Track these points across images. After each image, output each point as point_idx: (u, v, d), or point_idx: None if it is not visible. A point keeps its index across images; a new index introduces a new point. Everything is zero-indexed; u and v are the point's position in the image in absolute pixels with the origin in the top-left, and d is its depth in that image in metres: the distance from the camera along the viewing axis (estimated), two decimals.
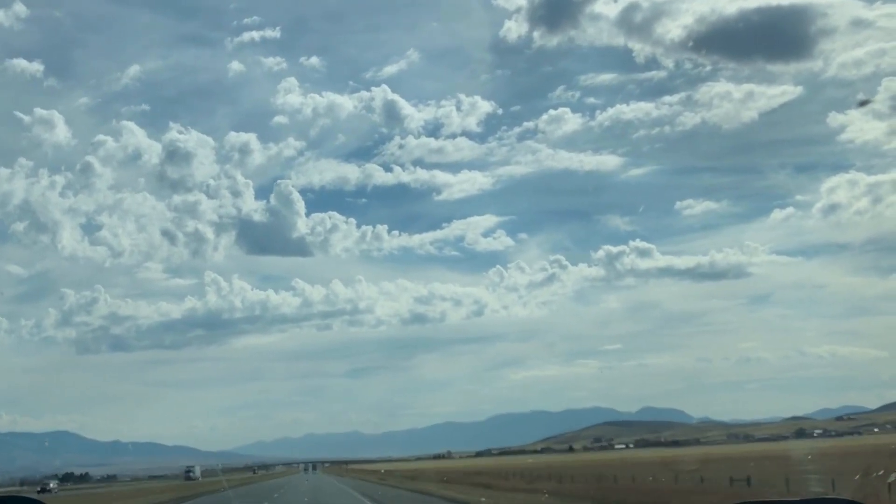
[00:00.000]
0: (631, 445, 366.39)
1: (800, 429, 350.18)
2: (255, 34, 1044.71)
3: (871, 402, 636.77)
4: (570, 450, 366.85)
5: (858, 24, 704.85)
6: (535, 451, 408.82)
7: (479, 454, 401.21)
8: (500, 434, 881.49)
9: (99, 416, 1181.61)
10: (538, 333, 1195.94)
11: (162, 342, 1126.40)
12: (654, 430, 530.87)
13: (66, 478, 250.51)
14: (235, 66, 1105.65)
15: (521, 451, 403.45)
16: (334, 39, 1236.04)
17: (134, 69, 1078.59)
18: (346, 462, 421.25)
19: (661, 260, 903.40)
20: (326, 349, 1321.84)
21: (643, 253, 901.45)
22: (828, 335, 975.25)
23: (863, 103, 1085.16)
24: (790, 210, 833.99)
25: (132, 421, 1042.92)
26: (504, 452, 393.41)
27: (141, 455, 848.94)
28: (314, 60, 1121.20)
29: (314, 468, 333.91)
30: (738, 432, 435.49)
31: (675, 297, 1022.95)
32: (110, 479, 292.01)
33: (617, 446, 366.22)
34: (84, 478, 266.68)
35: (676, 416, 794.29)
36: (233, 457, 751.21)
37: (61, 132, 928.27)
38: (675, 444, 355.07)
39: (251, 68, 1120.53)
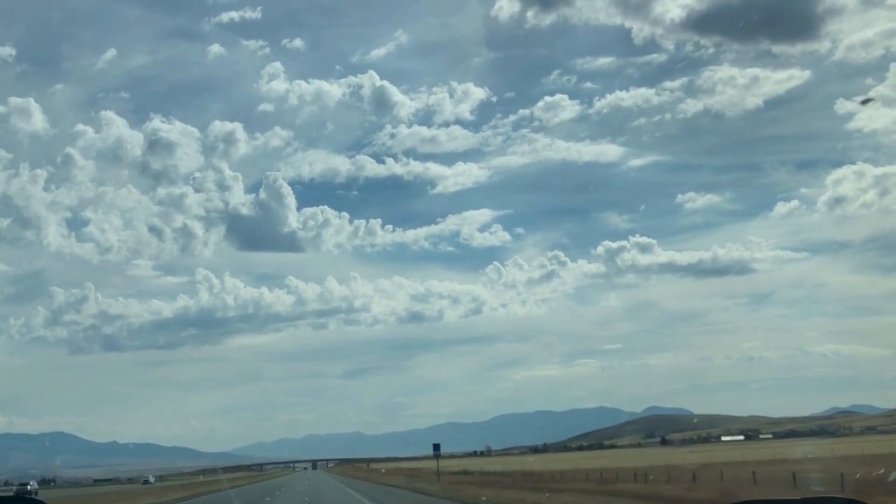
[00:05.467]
0: (742, 438, 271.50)
1: None
2: (235, 14, 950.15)
3: (877, 401, 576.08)
4: (663, 442, 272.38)
5: (868, 2, 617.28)
6: (590, 448, 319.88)
7: (536, 450, 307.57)
8: (506, 434, 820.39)
9: (96, 417, 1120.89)
10: (538, 332, 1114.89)
11: (155, 342, 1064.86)
12: (709, 425, 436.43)
13: None
14: (216, 49, 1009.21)
15: (601, 446, 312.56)
16: (318, 21, 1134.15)
17: (110, 54, 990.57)
18: (362, 461, 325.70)
19: (662, 256, 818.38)
20: (323, 349, 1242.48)
21: (644, 248, 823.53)
22: (831, 334, 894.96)
23: (865, 101, 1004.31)
24: (794, 203, 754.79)
25: (130, 422, 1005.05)
26: (565, 449, 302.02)
27: (139, 456, 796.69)
28: (298, 43, 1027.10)
29: (314, 467, 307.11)
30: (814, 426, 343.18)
31: (676, 294, 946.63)
32: (47, 482, 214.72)
33: (724, 438, 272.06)
34: None
35: (683, 416, 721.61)
36: (232, 458, 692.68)
37: (38, 122, 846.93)
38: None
39: (232, 52, 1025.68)
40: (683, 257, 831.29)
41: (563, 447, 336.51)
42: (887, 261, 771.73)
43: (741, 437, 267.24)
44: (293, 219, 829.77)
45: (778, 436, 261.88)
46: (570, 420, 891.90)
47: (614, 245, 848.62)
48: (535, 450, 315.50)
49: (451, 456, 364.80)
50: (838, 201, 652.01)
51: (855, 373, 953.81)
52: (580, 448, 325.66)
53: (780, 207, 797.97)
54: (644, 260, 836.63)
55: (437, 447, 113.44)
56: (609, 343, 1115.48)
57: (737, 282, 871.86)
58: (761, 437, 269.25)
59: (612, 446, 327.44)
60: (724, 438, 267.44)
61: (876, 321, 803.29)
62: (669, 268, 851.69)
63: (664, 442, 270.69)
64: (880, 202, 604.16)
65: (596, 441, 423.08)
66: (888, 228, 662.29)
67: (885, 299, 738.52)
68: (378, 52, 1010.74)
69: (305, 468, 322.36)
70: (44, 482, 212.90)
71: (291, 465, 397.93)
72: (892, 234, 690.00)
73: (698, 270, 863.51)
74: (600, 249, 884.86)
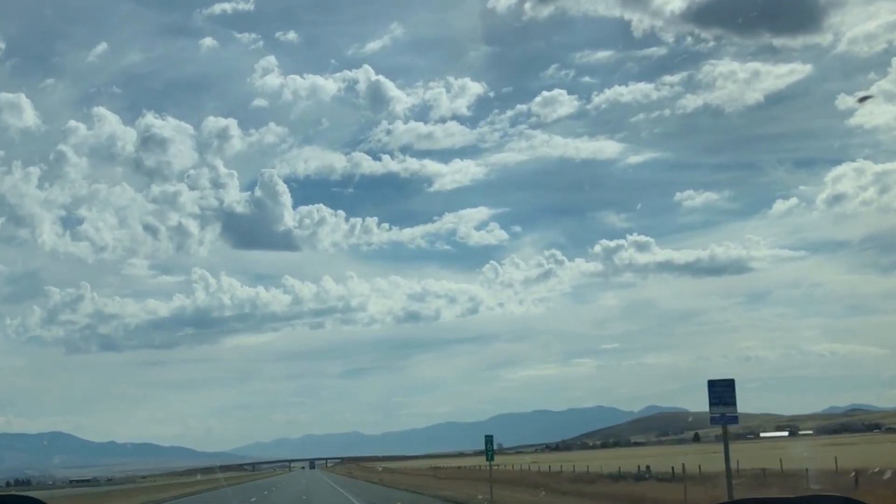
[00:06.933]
0: (786, 434, 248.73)
1: None
2: (228, 6, 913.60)
3: (875, 400, 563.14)
4: (696, 439, 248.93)
5: None
6: (616, 446, 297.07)
7: (551, 448, 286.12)
8: (504, 434, 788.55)
9: (94, 416, 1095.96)
10: (535, 332, 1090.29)
11: (152, 342, 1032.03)
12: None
13: None
14: (209, 42, 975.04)
15: (628, 443, 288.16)
16: (312, 14, 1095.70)
17: (102, 48, 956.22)
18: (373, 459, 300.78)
19: (659, 254, 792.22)
20: (321, 349, 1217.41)
21: (641, 247, 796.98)
22: (829, 333, 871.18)
23: (863, 99, 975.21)
24: (793, 201, 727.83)
25: (127, 422, 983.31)
26: (586, 447, 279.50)
27: (137, 456, 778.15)
28: (292, 36, 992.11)
29: (311, 467, 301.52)
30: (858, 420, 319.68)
31: (673, 293, 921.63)
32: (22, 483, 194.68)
33: (763, 434, 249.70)
34: None
35: (685, 415, 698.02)
36: (230, 458, 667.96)
37: (30, 118, 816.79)
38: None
39: (225, 45, 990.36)
40: (681, 256, 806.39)
41: (582, 445, 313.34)
42: (886, 260, 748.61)
43: (785, 433, 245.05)
44: (289, 217, 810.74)
45: (821, 431, 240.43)
46: (569, 419, 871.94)
47: (612, 244, 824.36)
48: (552, 448, 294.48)
49: (461, 455, 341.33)
50: (837, 199, 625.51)
51: (853, 372, 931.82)
52: (604, 446, 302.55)
53: (779, 205, 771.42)
54: (642, 259, 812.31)
55: None
56: (606, 342, 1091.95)
57: (734, 281, 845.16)
58: (801, 433, 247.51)
59: (637, 444, 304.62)
60: (762, 434, 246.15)
61: (874, 321, 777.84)
62: (667, 267, 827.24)
63: (697, 439, 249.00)
64: (879, 200, 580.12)
65: (603, 439, 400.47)
66: (887, 227, 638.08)
67: (883, 299, 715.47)
68: (373, 46, 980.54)
69: (303, 467, 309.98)
70: (18, 483, 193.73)
71: (287, 464, 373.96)
72: (890, 232, 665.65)
73: (696, 269, 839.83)
74: (598, 248, 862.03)
